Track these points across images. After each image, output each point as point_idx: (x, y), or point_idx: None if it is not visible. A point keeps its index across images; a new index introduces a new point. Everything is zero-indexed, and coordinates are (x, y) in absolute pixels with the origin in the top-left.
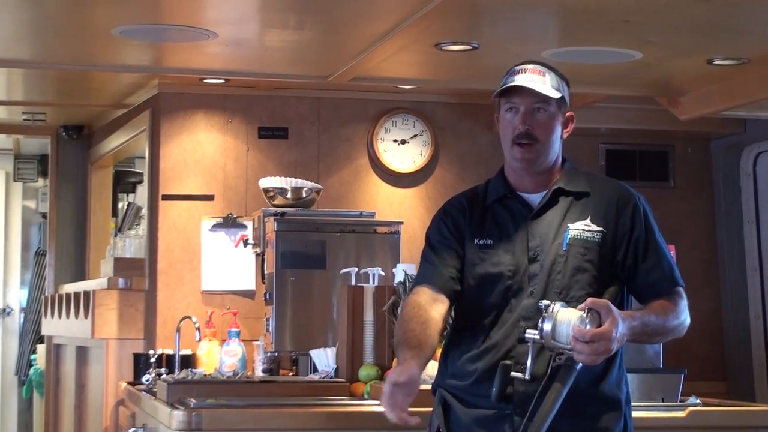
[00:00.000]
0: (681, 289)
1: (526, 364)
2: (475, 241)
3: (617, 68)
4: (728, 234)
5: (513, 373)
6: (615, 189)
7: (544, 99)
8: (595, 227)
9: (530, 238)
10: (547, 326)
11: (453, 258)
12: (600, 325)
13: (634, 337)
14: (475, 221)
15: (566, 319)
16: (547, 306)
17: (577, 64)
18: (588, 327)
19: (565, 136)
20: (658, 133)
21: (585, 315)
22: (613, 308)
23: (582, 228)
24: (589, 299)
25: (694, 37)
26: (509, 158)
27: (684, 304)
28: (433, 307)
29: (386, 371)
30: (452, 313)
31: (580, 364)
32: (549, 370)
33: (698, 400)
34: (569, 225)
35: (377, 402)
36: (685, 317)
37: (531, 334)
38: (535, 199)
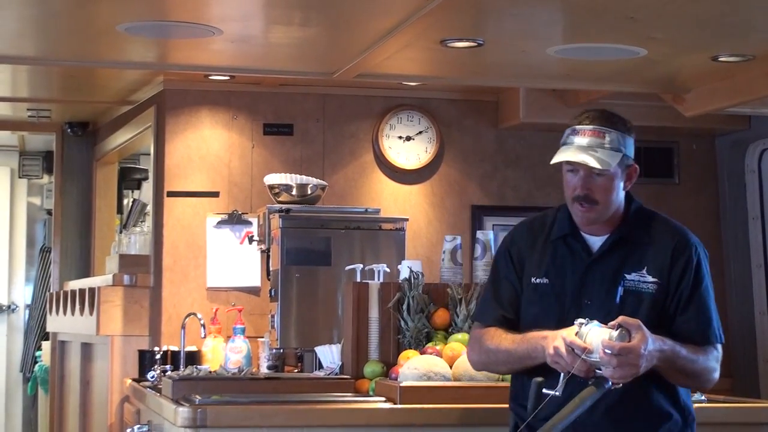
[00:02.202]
0: (718, 346)
1: (558, 380)
2: (533, 279)
3: (622, 65)
4: (733, 230)
5: (545, 390)
6: (674, 236)
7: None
8: (650, 278)
9: (584, 285)
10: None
11: (511, 294)
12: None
13: (665, 363)
14: (536, 257)
15: (598, 334)
16: (582, 324)
17: (582, 61)
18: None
19: (627, 187)
20: (663, 129)
21: (615, 331)
22: (644, 327)
23: (637, 279)
24: (621, 317)
25: (699, 34)
26: (571, 211)
27: (715, 356)
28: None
29: (391, 368)
30: None
31: (610, 383)
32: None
33: (703, 397)
34: (625, 275)
35: (382, 399)
36: (714, 367)
37: None
38: (597, 242)
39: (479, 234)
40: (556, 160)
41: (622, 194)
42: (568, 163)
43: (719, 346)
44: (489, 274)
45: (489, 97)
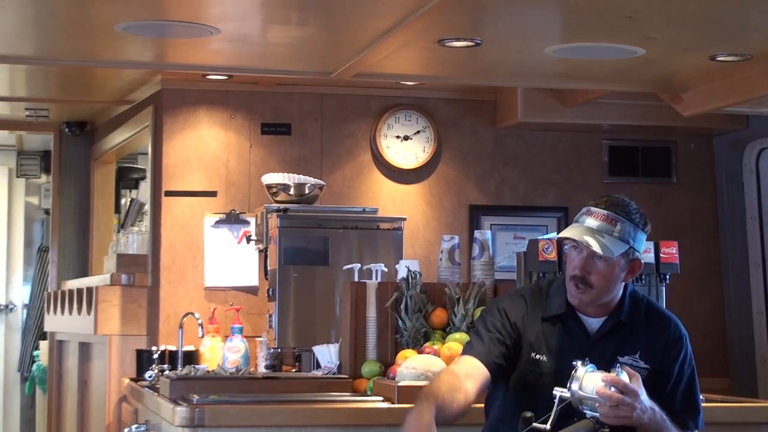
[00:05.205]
0: None
1: (549, 416)
2: (532, 354)
3: (620, 64)
4: (731, 230)
5: (535, 425)
6: (666, 327)
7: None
8: (642, 364)
9: None
10: (575, 384)
11: (501, 346)
12: None
13: (653, 428)
14: (536, 331)
15: (595, 372)
16: (579, 364)
17: (580, 60)
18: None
19: (628, 280)
20: (661, 129)
21: (619, 369)
22: (640, 382)
23: (630, 363)
24: (623, 365)
25: (697, 33)
26: (567, 289)
27: None
28: (469, 379)
29: (389, 367)
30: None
31: (598, 425)
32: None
33: (701, 397)
34: (618, 357)
35: (380, 398)
36: None
37: (558, 390)
38: (593, 323)
39: (477, 233)
40: (561, 235)
41: (620, 285)
42: (572, 241)
43: None
44: (476, 327)
45: (487, 97)
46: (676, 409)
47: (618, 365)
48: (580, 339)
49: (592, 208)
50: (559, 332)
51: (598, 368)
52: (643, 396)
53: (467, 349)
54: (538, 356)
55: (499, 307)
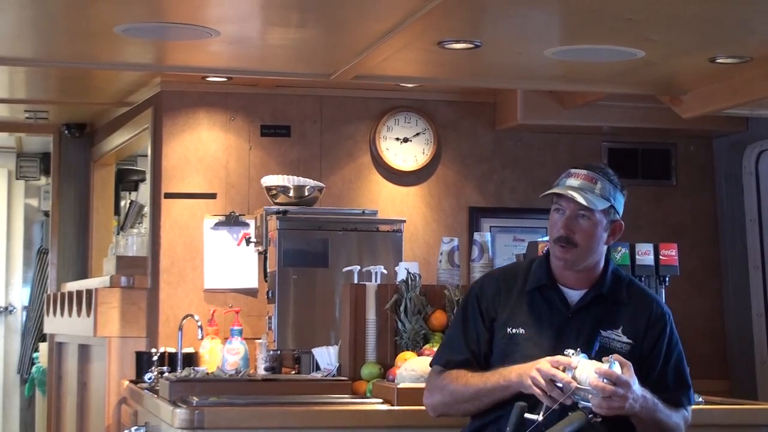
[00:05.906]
0: (689, 408)
1: (541, 406)
2: (508, 329)
3: (619, 66)
4: (731, 232)
5: (527, 415)
6: (649, 304)
7: (589, 207)
8: (624, 338)
9: (561, 337)
10: (567, 373)
11: (479, 340)
12: None
13: (646, 414)
14: (511, 307)
15: (588, 363)
16: (571, 354)
17: (579, 63)
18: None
19: (610, 242)
20: (661, 131)
21: (611, 361)
22: (632, 369)
23: (612, 337)
24: (615, 354)
25: (697, 35)
26: (551, 253)
27: (684, 416)
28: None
29: (388, 369)
30: None
31: (591, 415)
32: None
33: (701, 399)
34: (601, 331)
35: (379, 400)
36: (681, 426)
37: None
38: (574, 295)
39: (476, 236)
40: (545, 193)
41: (603, 248)
42: (556, 201)
43: (690, 408)
44: (455, 318)
45: (486, 99)
46: (669, 386)
47: (611, 356)
48: (560, 309)
49: (572, 170)
50: (537, 304)
51: (578, 341)
52: (636, 386)
53: (449, 361)
54: (513, 330)
55: (475, 293)
